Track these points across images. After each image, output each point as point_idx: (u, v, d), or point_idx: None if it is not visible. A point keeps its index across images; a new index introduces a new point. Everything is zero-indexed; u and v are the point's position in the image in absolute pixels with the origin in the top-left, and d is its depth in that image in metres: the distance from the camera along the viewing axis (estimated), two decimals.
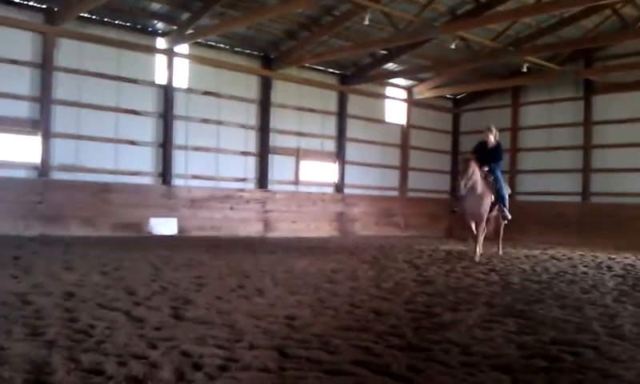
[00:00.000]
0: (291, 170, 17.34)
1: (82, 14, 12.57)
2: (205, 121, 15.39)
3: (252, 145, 16.46)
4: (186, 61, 15.03)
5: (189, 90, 15.07)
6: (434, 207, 19.38)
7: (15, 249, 9.06)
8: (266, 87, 16.52)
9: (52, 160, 12.59)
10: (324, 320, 4.73)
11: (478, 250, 10.59)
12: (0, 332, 3.89)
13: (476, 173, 10.48)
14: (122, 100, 13.75)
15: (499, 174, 11.16)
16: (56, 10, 12.40)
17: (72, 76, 12.96)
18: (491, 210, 10.95)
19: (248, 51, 16.22)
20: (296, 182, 17.35)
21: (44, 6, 12.53)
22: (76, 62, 13.02)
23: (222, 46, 15.63)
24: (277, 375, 3.17)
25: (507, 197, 11.24)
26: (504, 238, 12.29)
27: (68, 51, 12.92)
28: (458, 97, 21.07)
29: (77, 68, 13.03)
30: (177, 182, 14.74)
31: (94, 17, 13.19)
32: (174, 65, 14.66)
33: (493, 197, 10.87)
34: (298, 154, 17.39)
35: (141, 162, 14.11)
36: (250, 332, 4.12)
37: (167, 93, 14.46)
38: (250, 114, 16.37)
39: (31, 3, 12.46)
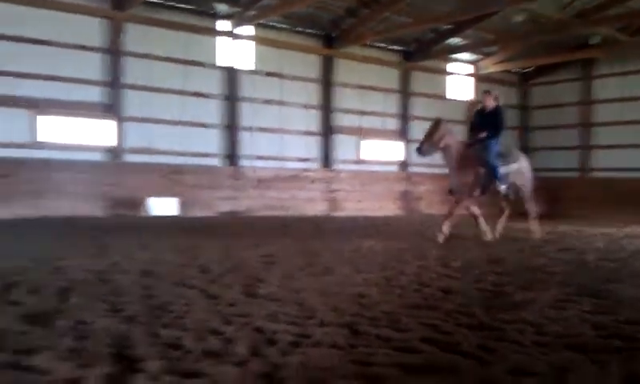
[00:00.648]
0: (354, 149, 17.35)
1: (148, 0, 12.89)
2: (268, 102, 15.57)
3: (314, 125, 16.55)
4: (250, 42, 15.21)
5: (252, 72, 15.27)
6: None
7: (92, 229, 9.49)
8: (327, 66, 16.54)
9: (124, 143, 13.04)
10: (392, 298, 4.76)
11: (444, 228, 9.22)
12: (83, 308, 4.11)
13: (448, 139, 9.25)
14: (188, 83, 14.08)
15: (493, 143, 9.56)
16: None
17: (140, 60, 13.34)
18: (487, 185, 9.50)
19: (309, 31, 16.25)
20: (359, 161, 17.35)
21: None
22: (143, 47, 13.40)
23: (283, 26, 15.73)
24: (347, 352, 3.22)
25: (502, 169, 9.58)
26: (539, 221, 10.56)
27: (135, 36, 13.31)
28: (525, 71, 20.46)
29: (145, 52, 13.41)
30: (243, 162, 15.00)
31: (159, 1, 13.50)
32: (238, 47, 14.87)
33: (482, 170, 9.41)
34: (360, 132, 17.36)
35: (208, 143, 14.45)
36: (320, 309, 4.19)
37: (232, 75, 14.69)
38: (312, 94, 16.44)
39: None
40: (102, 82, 12.89)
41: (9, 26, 11.75)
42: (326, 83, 16.54)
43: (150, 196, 12.89)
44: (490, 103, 9.86)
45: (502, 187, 9.59)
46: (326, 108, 16.58)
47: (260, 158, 15.38)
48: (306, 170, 16.04)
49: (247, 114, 15.09)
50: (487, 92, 10.15)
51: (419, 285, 5.41)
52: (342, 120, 16.93)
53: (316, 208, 15.72)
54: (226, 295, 4.64)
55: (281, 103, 15.79)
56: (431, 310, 4.32)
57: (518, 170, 10.07)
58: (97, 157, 12.88)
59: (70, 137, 12.45)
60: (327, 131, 16.63)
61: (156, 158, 13.44)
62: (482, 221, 9.83)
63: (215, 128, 14.61)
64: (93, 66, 12.82)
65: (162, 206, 12.96)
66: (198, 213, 13.40)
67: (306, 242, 8.62)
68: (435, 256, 7.55)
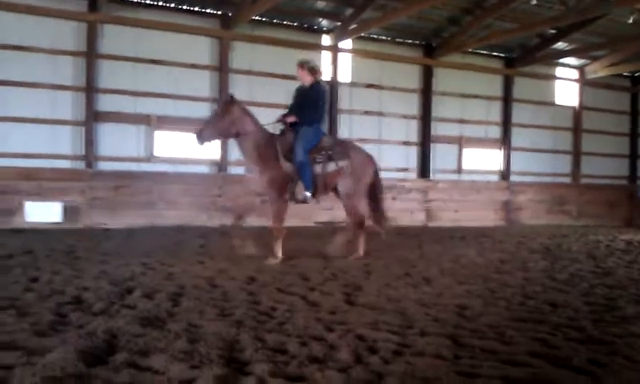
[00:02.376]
0: (454, 159, 17.07)
1: (253, 18, 13.36)
2: (367, 113, 15.65)
3: (413, 134, 16.46)
4: (350, 55, 15.39)
5: (352, 84, 15.42)
6: (611, 194, 18.05)
7: (200, 238, 9.91)
8: (427, 76, 16.40)
9: (229, 156, 13.55)
10: (496, 310, 4.66)
11: (277, 245, 7.48)
12: (194, 312, 4.32)
13: (244, 124, 7.28)
14: (290, 97, 14.37)
15: (306, 132, 7.39)
16: (230, 14, 13.32)
17: (245, 77, 13.84)
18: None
19: (409, 41, 16.20)
20: (459, 171, 17.04)
21: (220, 12, 13.50)
22: (248, 63, 13.89)
23: (383, 38, 15.78)
24: (451, 363, 3.20)
25: (315, 168, 7.45)
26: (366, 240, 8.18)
27: (241, 53, 13.84)
28: (637, 74, 19.33)
29: (249, 69, 13.91)
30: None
31: (263, 19, 13.97)
32: (339, 60, 15.08)
33: (289, 166, 7.34)
34: (460, 141, 17.06)
35: None
36: (421, 319, 4.18)
37: (332, 88, 14.89)
38: (411, 104, 16.36)
39: (208, 10, 13.47)
40: (212, 99, 13.47)
41: (128, 48, 12.60)
42: (426, 92, 16.40)
43: (255, 206, 13.22)
44: (306, 78, 7.68)
45: (305, 194, 7.39)
46: (426, 117, 16.44)
47: None
48: (402, 179, 15.95)
49: (346, 126, 15.24)
50: (302, 64, 7.78)
51: (524, 297, 5.26)
52: (441, 129, 16.72)
53: (413, 218, 15.57)
54: (326, 303, 4.73)
55: (380, 114, 15.82)
56: (538, 324, 4.20)
57: (342, 170, 7.63)
58: (204, 169, 13.48)
59: (180, 151, 13.12)
60: (426, 140, 16.48)
61: None
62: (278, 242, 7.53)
63: None
64: (203, 83, 13.45)
65: (264, 216, 13.27)
66: (298, 223, 13.62)
67: (404, 252, 8.58)
68: (540, 268, 7.29)
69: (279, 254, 7.36)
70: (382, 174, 15.22)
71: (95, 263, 6.68)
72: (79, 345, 3.25)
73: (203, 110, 13.24)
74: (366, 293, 5.20)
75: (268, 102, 13.85)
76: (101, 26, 12.37)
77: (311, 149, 7.41)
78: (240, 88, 13.58)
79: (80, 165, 12.25)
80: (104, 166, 12.42)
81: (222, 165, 13.51)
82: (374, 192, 8.07)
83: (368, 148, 15.24)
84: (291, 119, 7.51)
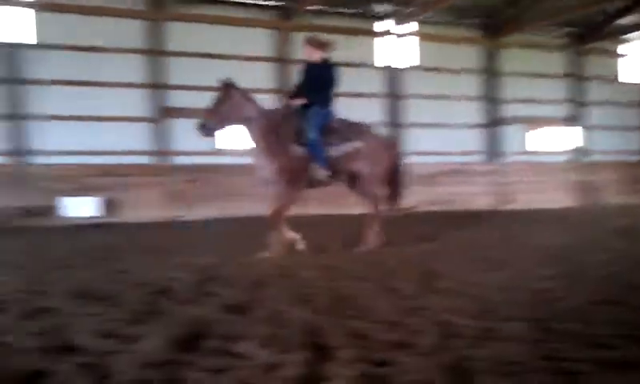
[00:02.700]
0: (521, 140, 16.69)
1: (311, 7, 13.43)
2: (430, 97, 15.49)
3: (479, 117, 16.18)
4: (410, 39, 15.24)
5: (413, 68, 15.28)
6: None
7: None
8: (490, 56, 16.09)
9: None
10: (577, 292, 4.55)
11: (275, 240, 6.95)
12: (275, 299, 4.43)
13: (246, 110, 6.88)
14: (350, 85, 14.40)
15: (316, 113, 6.99)
16: (288, 6, 13.44)
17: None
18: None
19: (469, 22, 15.90)
20: (527, 152, 16.64)
21: (278, 4, 13.63)
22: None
23: (443, 20, 15.55)
24: (536, 346, 3.16)
25: (330, 149, 7.04)
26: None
27: (298, 44, 13.92)
28: None
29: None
30: (412, 159, 15.05)
31: (321, 8, 14.01)
32: (398, 45, 14.96)
33: (300, 150, 6.90)
34: (528, 122, 16.63)
35: None
36: (502, 304, 4.14)
37: (392, 73, 14.80)
38: (475, 86, 16.09)
39: (267, 3, 13.63)
40: (272, 90, 13.65)
41: (192, 44, 12.92)
42: (490, 73, 16.10)
43: (316, 195, 13.35)
44: (314, 55, 7.19)
45: (322, 173, 7.00)
46: (491, 99, 16.13)
47: (423, 153, 15.32)
48: (470, 163, 15.71)
49: (410, 111, 15.12)
50: (308, 40, 7.28)
51: (604, 278, 5.12)
52: (507, 110, 16.35)
53: (482, 202, 15.33)
54: (404, 288, 4.74)
55: (444, 97, 15.63)
56: (622, 306, 4.08)
57: (357, 151, 7.24)
58: None
59: (245, 143, 13.36)
60: (492, 122, 16.16)
61: None
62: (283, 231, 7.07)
63: (379, 127, 14.83)
64: (264, 74, 13.64)
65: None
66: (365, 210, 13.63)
67: (476, 237, 8.48)
68: (618, 248, 7.06)
69: (276, 245, 6.79)
70: (450, 159, 15.33)
71: (177, 254, 6.93)
72: (171, 332, 3.40)
73: (265, 102, 13.44)
74: (443, 278, 5.19)
75: None
76: (166, 24, 12.73)
77: (322, 130, 6.98)
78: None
79: (156, 160, 12.69)
80: (178, 160, 12.81)
81: None
82: (394, 177, 7.69)
83: (433, 132, 15.34)
84: (299, 101, 7.05)
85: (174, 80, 12.87)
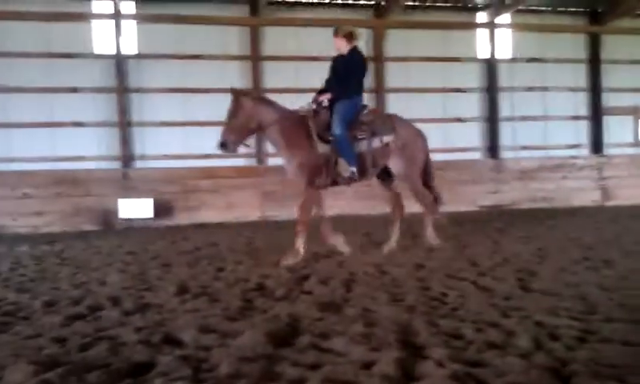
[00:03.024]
0: (629, 131, 15.76)
1: (407, 4, 13.35)
2: (530, 89, 14.97)
3: (582, 108, 15.45)
4: (508, 31, 14.80)
5: (512, 60, 14.85)
6: None
7: (363, 226, 10.12)
8: (594, 44, 15.31)
9: None
10: None
11: (299, 241, 6.48)
12: (367, 297, 4.47)
13: (261, 115, 6.47)
14: (447, 79, 14.22)
15: (342, 106, 6.54)
16: (383, 3, 13.42)
17: (400, 64, 13.87)
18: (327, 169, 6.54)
19: (572, 9, 15.22)
20: (636, 144, 15.70)
21: (372, 2, 13.64)
22: (403, 50, 13.90)
23: (543, 8, 14.98)
24: (638, 349, 3.01)
25: (358, 145, 6.59)
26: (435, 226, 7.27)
27: (395, 41, 13.88)
28: None
29: (404, 55, 13.91)
30: (505, 154, 14.65)
31: (416, 3, 13.90)
32: (496, 37, 14.57)
33: (324, 146, 6.50)
34: (636, 112, 15.69)
35: (469, 138, 14.40)
36: (604, 304, 3.96)
37: (490, 66, 14.44)
38: (578, 76, 15.38)
39: (361, 2, 13.67)
40: (367, 89, 13.66)
41: (288, 47, 13.18)
42: (594, 62, 15.32)
43: None
44: (343, 46, 6.71)
45: (351, 170, 6.54)
46: (595, 89, 15.36)
47: (523, 148, 14.86)
48: (573, 157, 15.02)
49: (507, 105, 14.70)
50: (336, 30, 6.76)
51: None
52: (614, 100, 15.50)
53: (586, 198, 14.61)
54: (499, 288, 4.64)
55: (544, 89, 15.05)
56: None
57: (389, 147, 6.78)
58: None
59: None
60: (597, 113, 15.38)
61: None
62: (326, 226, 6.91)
63: (475, 122, 14.52)
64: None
65: None
66: (462, 207, 13.42)
67: (578, 234, 8.11)
68: None
69: (301, 250, 6.43)
70: (550, 153, 14.73)
71: (272, 253, 7.10)
72: (266, 328, 3.51)
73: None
74: (541, 278, 5.02)
75: (424, 86, 13.79)
76: (262, 29, 13.05)
77: (350, 124, 6.59)
78: (395, 75, 13.67)
79: (252, 162, 13.06)
80: (273, 162, 13.12)
81: None
82: (426, 171, 7.24)
83: (533, 126, 14.81)
84: (324, 97, 6.66)
85: (269, 83, 13.17)
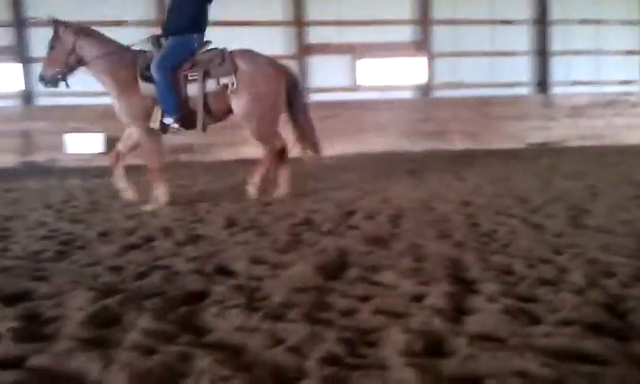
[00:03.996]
0: None
1: None
2: (583, 22, 14.31)
3: (636, 42, 14.75)
4: None
5: None
6: None
7: (409, 163, 10.05)
8: None
9: (434, 79, 13.38)
10: None
11: (158, 189, 6.12)
12: (414, 233, 4.46)
13: (83, 48, 5.93)
14: (495, 11, 13.71)
15: (174, 43, 5.99)
16: None
17: None
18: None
19: None
20: None
21: None
22: None
23: None
24: None
25: (172, 93, 5.87)
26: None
27: None
28: None
29: None
30: (555, 90, 14.19)
31: None
32: None
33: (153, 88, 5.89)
34: None
35: (517, 72, 13.97)
36: None
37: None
38: (633, 8, 14.61)
39: None
40: (413, 21, 13.33)
41: None
42: None
43: (460, 129, 13.06)
44: None
45: (167, 120, 5.96)
46: None
47: (574, 83, 14.35)
48: (626, 93, 14.46)
49: (559, 38, 14.13)
50: None
51: None
52: None
53: (637, 136, 14.12)
54: (550, 225, 4.56)
55: (597, 22, 14.38)
56: None
57: (229, 88, 6.04)
58: (408, 94, 13.49)
59: (383, 77, 13.26)
60: None
61: (465, 92, 13.51)
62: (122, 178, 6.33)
63: (525, 55, 14.04)
64: (402, 6, 13.31)
65: (471, 139, 13.01)
66: (508, 145, 13.16)
67: (631, 173, 7.88)
68: None
69: (163, 195, 6.08)
70: (602, 88, 14.20)
71: (316, 188, 7.14)
72: (315, 261, 3.54)
73: (405, 34, 13.19)
74: (594, 215, 4.92)
75: (471, 18, 13.36)
76: None
77: (180, 64, 5.97)
78: (442, 7, 13.28)
79: None
80: (314, 97, 13.02)
81: (426, 89, 13.39)
82: (293, 111, 6.50)
83: (585, 60, 14.24)
84: (155, 35, 6.18)
85: (315, 16, 12.95)
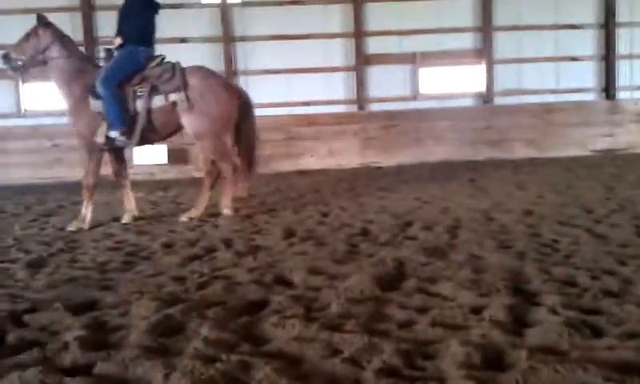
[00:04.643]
0: None
1: None
2: None
3: None
4: None
5: None
6: None
7: (469, 171, 9.92)
8: None
9: (495, 86, 13.15)
10: None
11: (84, 207, 6.06)
12: (474, 243, 4.41)
13: (52, 50, 6.00)
14: (561, 15, 13.38)
15: (117, 60, 5.94)
16: None
17: (511, 1, 13.17)
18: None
19: None
20: None
21: None
22: None
23: None
24: None
25: (118, 107, 5.79)
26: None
27: None
28: None
29: None
30: (621, 95, 13.70)
31: None
32: None
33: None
34: None
35: (582, 77, 13.56)
36: None
37: (606, 0, 13.42)
38: None
39: None
40: (474, 28, 13.14)
41: None
42: None
43: (522, 137, 12.79)
44: None
45: (112, 134, 5.83)
46: None
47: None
48: None
49: (626, 41, 13.64)
50: None
51: None
52: None
53: None
54: (615, 235, 4.43)
55: None
56: None
57: (178, 105, 5.93)
58: (469, 102, 13.29)
59: (444, 86, 13.13)
60: None
61: (528, 98, 13.21)
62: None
63: (590, 60, 13.61)
64: (466, 13, 13.14)
65: (533, 146, 12.73)
66: (572, 152, 12.79)
67: None
68: None
69: (88, 217, 6.01)
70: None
71: (375, 199, 7.15)
72: (373, 271, 3.55)
73: (466, 41, 13.03)
74: None
75: (535, 24, 13.09)
76: None
77: (127, 78, 5.91)
78: (505, 13, 13.05)
79: (353, 108, 13.03)
80: (374, 107, 13.02)
81: (487, 96, 13.18)
82: (241, 133, 6.36)
83: None
84: (116, 41, 6.08)
85: (375, 26, 12.94)
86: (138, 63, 5.99)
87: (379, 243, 4.58)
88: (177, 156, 12.04)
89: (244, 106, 6.33)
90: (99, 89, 5.80)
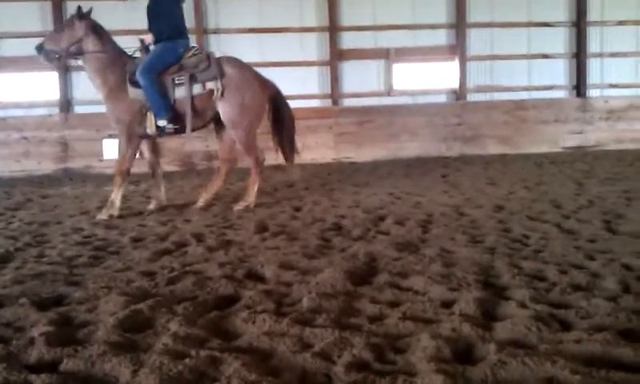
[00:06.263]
0: None
1: None
2: (621, 23, 14.01)
3: None
4: None
5: None
6: None
7: (442, 167, 9.99)
8: None
9: (468, 82, 13.24)
10: None
11: (115, 193, 6.22)
12: (445, 238, 4.44)
13: (88, 43, 6.13)
14: (533, 13, 13.52)
15: (158, 49, 6.16)
16: None
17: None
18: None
19: None
20: None
21: None
22: None
23: None
24: None
25: (160, 96, 5.98)
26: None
27: None
28: None
29: None
30: (592, 93, 13.92)
31: None
32: None
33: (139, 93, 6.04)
34: None
35: (554, 75, 13.74)
36: None
37: None
38: None
39: None
40: (448, 25, 13.20)
41: None
42: None
43: (494, 133, 12.91)
44: None
45: (161, 123, 6.06)
46: None
47: (611, 86, 14.04)
48: None
49: (596, 40, 13.85)
50: None
51: None
52: None
53: None
54: (584, 231, 4.49)
55: (636, 23, 14.06)
56: None
57: (214, 92, 6.17)
58: (442, 98, 13.36)
59: (418, 82, 13.17)
60: None
61: (500, 95, 13.34)
62: (160, 183, 6.56)
63: (561, 58, 13.79)
64: (439, 10, 13.18)
65: (505, 143, 12.85)
66: (543, 149, 12.96)
67: None
68: None
69: (117, 202, 6.16)
70: (636, 91, 13.82)
71: (348, 194, 7.15)
72: (345, 266, 3.55)
73: (440, 38, 13.10)
74: (628, 221, 4.81)
75: (508, 21, 13.20)
76: None
77: (166, 68, 6.10)
78: (479, 10, 13.14)
79: (327, 103, 13.01)
80: (348, 102, 13.01)
81: (460, 93, 13.27)
82: (277, 122, 6.68)
83: (623, 63, 13.91)
84: (147, 38, 6.26)
85: (349, 21, 12.91)
86: (178, 56, 6.21)
87: (352, 238, 4.58)
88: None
89: (276, 96, 6.63)
90: (139, 78, 5.96)
